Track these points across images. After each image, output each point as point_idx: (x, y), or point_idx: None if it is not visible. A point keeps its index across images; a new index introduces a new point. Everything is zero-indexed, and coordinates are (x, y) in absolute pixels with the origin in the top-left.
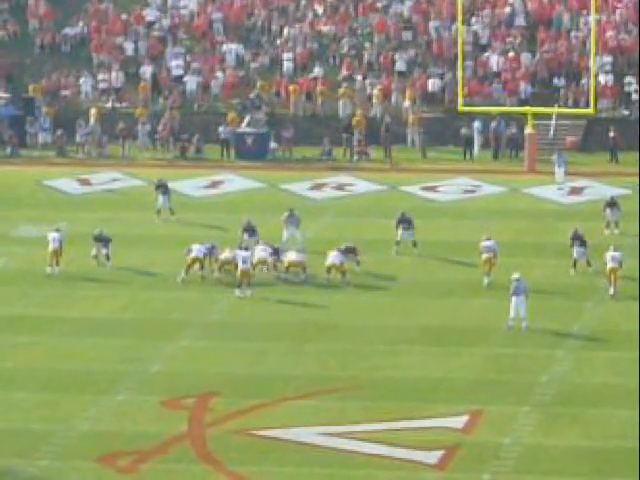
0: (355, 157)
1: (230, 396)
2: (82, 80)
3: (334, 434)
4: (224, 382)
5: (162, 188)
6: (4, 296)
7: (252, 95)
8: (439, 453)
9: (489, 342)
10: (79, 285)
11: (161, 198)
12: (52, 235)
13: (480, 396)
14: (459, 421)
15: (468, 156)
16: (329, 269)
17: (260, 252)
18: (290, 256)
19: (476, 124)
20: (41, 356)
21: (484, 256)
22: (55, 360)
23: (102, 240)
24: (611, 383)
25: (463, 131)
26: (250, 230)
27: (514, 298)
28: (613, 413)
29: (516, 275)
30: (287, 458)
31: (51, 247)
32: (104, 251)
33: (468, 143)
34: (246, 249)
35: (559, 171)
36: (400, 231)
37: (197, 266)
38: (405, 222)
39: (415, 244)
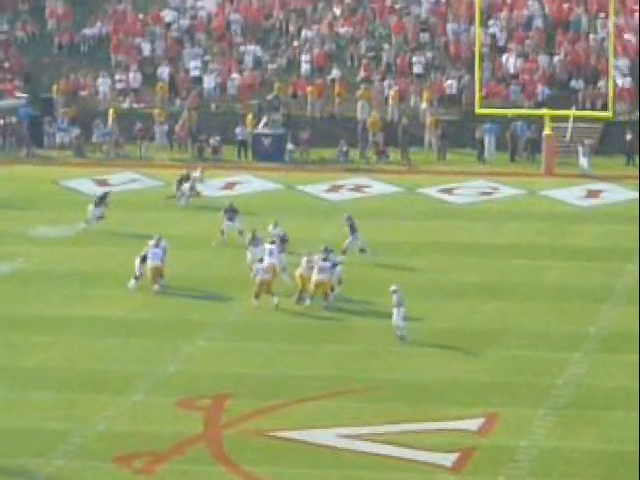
0: (373, 158)
1: (246, 397)
2: (100, 80)
3: (350, 436)
4: (240, 383)
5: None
6: (22, 296)
7: (269, 96)
8: (455, 455)
9: (504, 344)
10: (96, 285)
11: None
12: (152, 250)
13: (496, 398)
14: (475, 423)
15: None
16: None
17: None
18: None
19: (487, 126)
20: (58, 356)
21: None
22: (72, 360)
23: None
24: (628, 386)
25: (477, 134)
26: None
27: (395, 310)
28: (629, 416)
29: (394, 287)
30: (303, 459)
31: (151, 264)
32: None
33: (482, 145)
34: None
35: (584, 161)
36: None
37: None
38: None
39: None
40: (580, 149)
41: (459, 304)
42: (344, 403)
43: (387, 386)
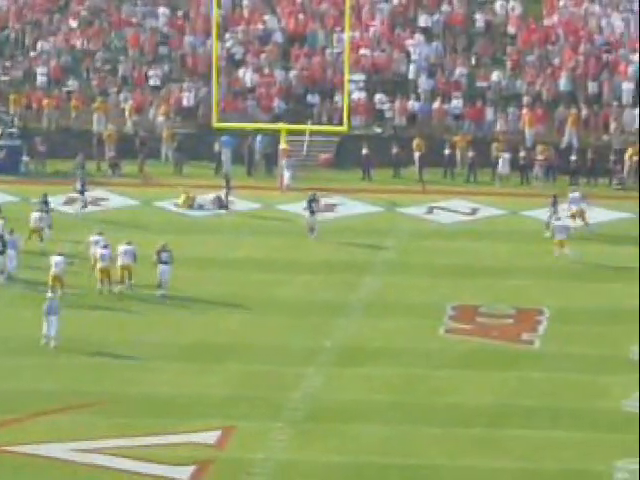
0: (108, 171)
1: None
2: None
3: (86, 450)
4: None
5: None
6: None
7: (4, 108)
8: (191, 468)
9: (244, 359)
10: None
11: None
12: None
13: (233, 412)
14: (211, 437)
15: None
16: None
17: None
18: None
19: (223, 139)
20: None
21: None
22: None
23: None
24: (362, 399)
25: (216, 147)
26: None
27: (48, 317)
28: (366, 429)
29: (50, 294)
30: (39, 474)
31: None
32: None
33: (219, 159)
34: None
35: (287, 175)
36: None
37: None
38: None
39: None
40: (284, 162)
41: (200, 317)
42: (79, 417)
43: (123, 400)
